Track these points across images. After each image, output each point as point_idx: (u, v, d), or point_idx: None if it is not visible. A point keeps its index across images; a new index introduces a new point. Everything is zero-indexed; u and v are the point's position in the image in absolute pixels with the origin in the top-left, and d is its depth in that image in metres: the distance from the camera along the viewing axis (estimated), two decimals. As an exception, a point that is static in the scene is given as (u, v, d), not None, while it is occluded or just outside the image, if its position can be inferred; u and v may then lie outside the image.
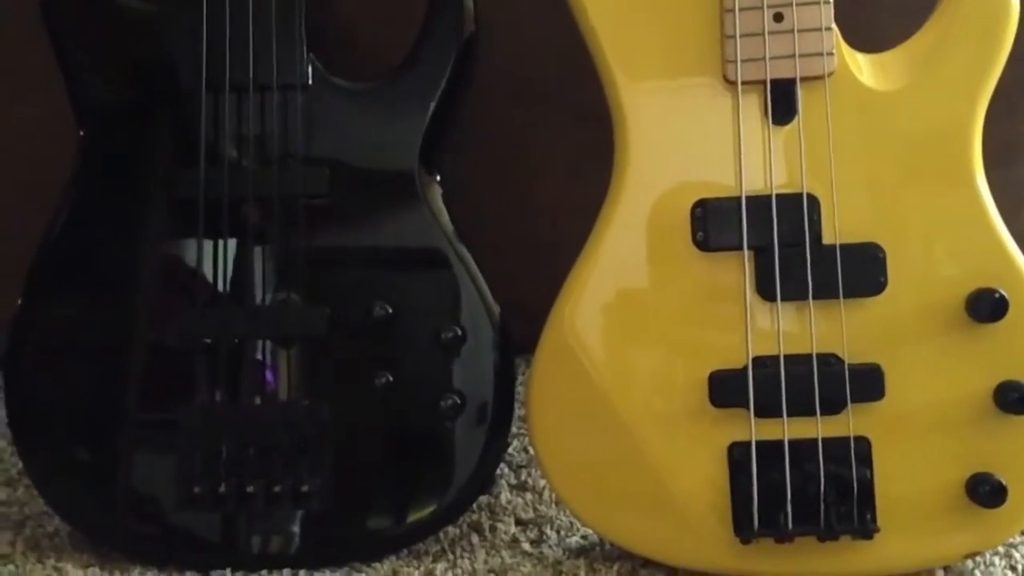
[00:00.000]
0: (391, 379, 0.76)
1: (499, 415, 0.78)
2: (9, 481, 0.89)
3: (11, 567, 0.77)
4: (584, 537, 0.80)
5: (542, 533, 0.80)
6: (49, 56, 0.79)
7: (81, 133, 0.79)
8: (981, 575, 0.73)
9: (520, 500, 0.84)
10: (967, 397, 0.71)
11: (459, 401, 0.76)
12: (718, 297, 0.72)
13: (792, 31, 0.71)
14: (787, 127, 0.72)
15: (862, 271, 0.71)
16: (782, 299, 0.71)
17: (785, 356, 0.71)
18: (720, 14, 0.72)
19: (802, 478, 0.71)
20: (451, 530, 0.80)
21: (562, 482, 0.75)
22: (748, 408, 0.71)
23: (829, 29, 0.71)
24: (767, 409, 0.71)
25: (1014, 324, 0.70)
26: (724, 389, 0.72)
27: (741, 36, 0.71)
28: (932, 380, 0.71)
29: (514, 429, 0.81)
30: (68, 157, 0.79)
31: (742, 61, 0.71)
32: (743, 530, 0.72)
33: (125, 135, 0.79)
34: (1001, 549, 0.76)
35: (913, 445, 0.71)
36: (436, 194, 0.79)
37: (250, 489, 0.75)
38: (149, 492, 0.77)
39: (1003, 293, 0.70)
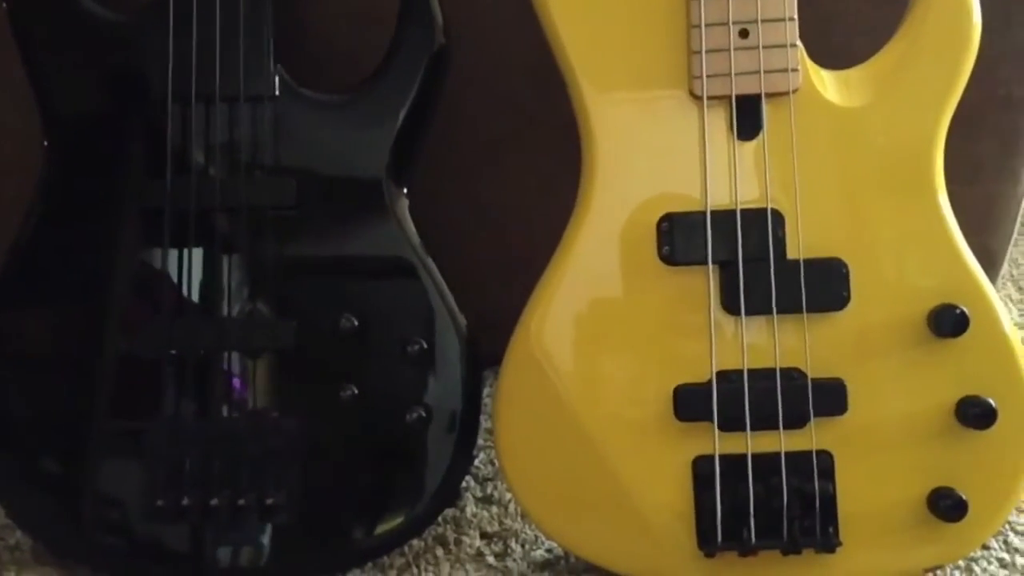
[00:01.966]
0: (356, 392, 0.75)
1: (466, 428, 0.78)
2: (-29, 493, 0.89)
3: (-29, 580, 0.77)
4: (549, 551, 0.80)
5: (507, 546, 0.80)
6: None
7: (45, 143, 0.79)
8: (943, 589, 0.74)
9: (485, 513, 0.84)
10: (929, 412, 0.72)
11: (425, 414, 0.76)
12: (683, 311, 0.73)
13: (757, 47, 0.71)
14: (752, 142, 0.73)
15: (825, 286, 0.72)
16: (746, 313, 0.72)
17: (749, 370, 0.72)
18: (687, 29, 0.72)
19: (765, 492, 0.72)
20: (416, 543, 0.80)
21: (527, 495, 0.75)
22: (712, 422, 0.72)
23: (794, 46, 0.72)
24: (731, 423, 0.72)
25: (975, 339, 0.71)
26: (689, 403, 0.72)
27: (707, 52, 0.72)
28: (894, 395, 0.72)
29: (480, 442, 0.81)
30: (28, 165, 0.79)
31: (708, 76, 0.72)
32: (707, 543, 0.72)
33: (93, 145, 0.79)
34: (962, 563, 0.76)
35: (875, 459, 0.72)
36: (404, 207, 0.79)
37: (214, 502, 0.75)
38: (113, 504, 0.77)
39: (964, 309, 0.71)
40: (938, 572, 0.75)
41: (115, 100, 0.79)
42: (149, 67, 0.77)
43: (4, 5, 0.79)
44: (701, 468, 0.72)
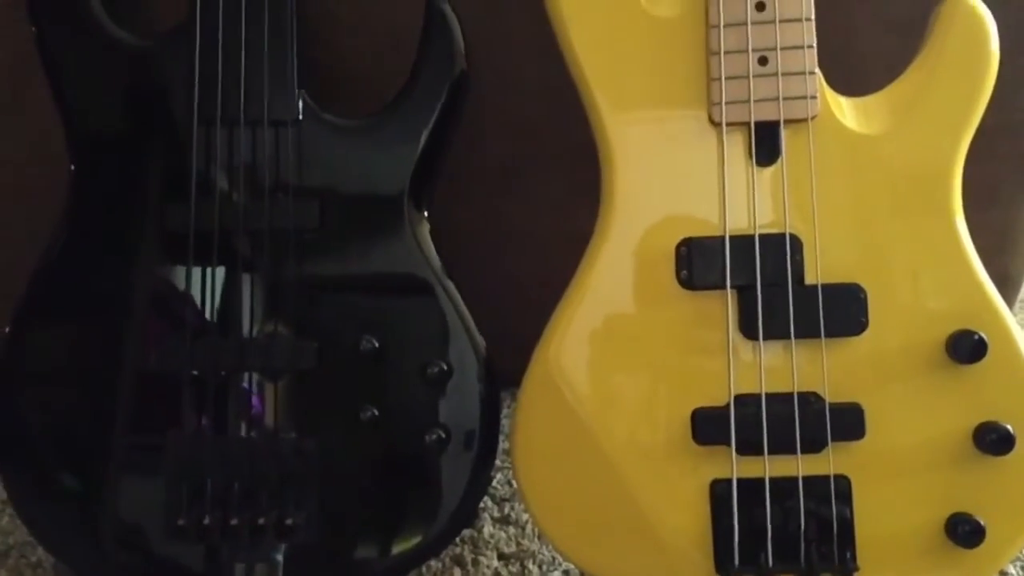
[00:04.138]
0: (376, 413, 0.76)
1: (484, 449, 0.78)
2: (-7, 510, 0.90)
3: (-6, 597, 0.77)
4: (566, 572, 0.80)
5: (524, 567, 0.80)
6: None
7: (72, 167, 0.80)
8: (960, 614, 0.74)
9: (503, 534, 0.84)
10: (946, 437, 0.72)
11: (444, 435, 0.76)
12: (701, 335, 0.73)
13: (776, 75, 0.72)
14: (771, 168, 0.73)
15: (843, 311, 0.72)
16: (764, 338, 0.72)
17: (767, 394, 0.72)
18: (706, 56, 0.73)
19: (783, 516, 0.72)
20: (433, 563, 0.80)
21: (545, 516, 0.75)
22: (730, 446, 0.72)
23: (813, 73, 0.72)
24: (749, 447, 0.72)
25: (993, 365, 0.71)
26: (707, 426, 0.72)
27: (726, 79, 0.72)
28: (912, 420, 0.72)
29: (497, 463, 0.81)
30: (53, 187, 0.80)
31: (727, 103, 0.72)
32: (724, 567, 0.72)
33: (118, 168, 0.80)
34: (980, 589, 0.76)
35: (893, 484, 0.72)
36: (424, 230, 0.80)
37: (234, 522, 0.75)
38: (134, 523, 0.77)
39: (982, 335, 0.71)
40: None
41: (140, 124, 0.80)
42: (174, 92, 0.78)
43: (33, 30, 0.80)
44: (719, 491, 0.72)
